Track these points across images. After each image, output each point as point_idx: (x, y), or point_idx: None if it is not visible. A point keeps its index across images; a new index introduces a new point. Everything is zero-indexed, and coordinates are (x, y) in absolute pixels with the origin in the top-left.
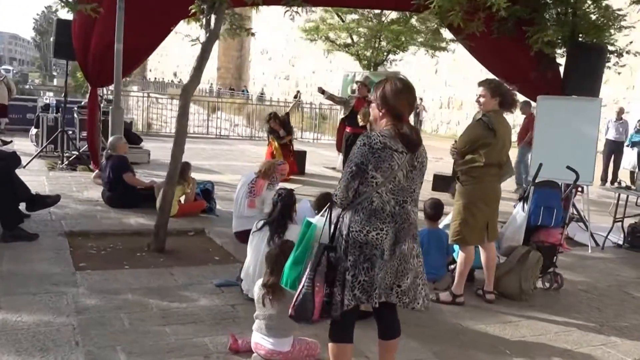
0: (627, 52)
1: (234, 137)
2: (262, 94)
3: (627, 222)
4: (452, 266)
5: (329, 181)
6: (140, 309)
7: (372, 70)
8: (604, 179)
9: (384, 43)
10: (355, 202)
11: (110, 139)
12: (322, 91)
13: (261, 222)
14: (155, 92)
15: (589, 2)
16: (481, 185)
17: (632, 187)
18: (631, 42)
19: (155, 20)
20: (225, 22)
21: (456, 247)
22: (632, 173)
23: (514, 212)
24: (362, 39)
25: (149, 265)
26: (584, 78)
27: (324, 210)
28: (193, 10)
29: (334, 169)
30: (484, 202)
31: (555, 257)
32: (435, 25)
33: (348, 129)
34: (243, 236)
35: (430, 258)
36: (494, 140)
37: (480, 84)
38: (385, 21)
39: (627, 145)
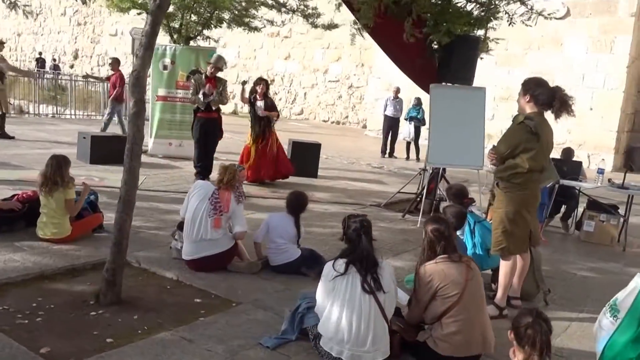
0: (495, 41)
1: None
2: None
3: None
4: None
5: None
6: None
7: (182, 44)
8: (383, 151)
9: (195, 17)
10: None
11: None
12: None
13: (342, 263)
14: None
15: None
16: (524, 192)
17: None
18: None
19: None
20: None
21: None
22: (408, 144)
23: None
24: (173, 11)
25: (135, 333)
26: (460, 67)
27: None
28: None
29: (145, 152)
30: (526, 209)
31: None
32: None
33: (201, 114)
34: (202, 264)
35: None
36: (537, 145)
37: None
38: None
39: (405, 119)
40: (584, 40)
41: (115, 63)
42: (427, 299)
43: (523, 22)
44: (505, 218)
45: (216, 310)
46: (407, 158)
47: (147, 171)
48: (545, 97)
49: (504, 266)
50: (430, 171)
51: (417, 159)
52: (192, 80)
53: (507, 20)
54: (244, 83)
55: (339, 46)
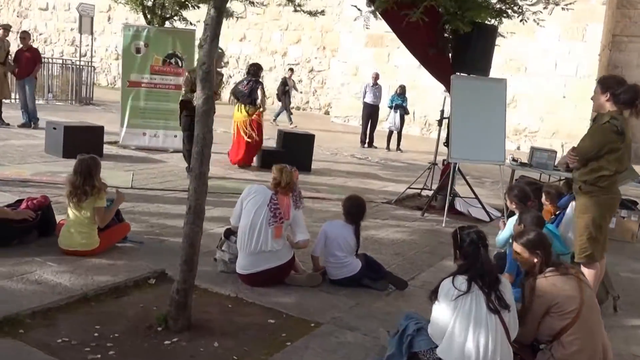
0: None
1: None
2: None
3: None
4: None
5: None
6: None
7: (157, 25)
8: (363, 141)
9: None
10: None
11: None
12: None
13: (463, 281)
14: None
15: None
16: (610, 195)
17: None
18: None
19: None
20: None
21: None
22: (390, 133)
23: (568, 209)
24: None
25: None
26: (479, 58)
27: None
28: None
29: (116, 143)
30: (610, 213)
31: None
32: None
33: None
34: (261, 278)
35: None
36: (622, 145)
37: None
38: None
39: (389, 107)
40: (556, 27)
41: (28, 37)
42: (540, 316)
43: (535, 21)
44: (592, 224)
45: (298, 332)
46: (388, 148)
47: (131, 166)
48: (628, 96)
49: (588, 275)
50: (442, 165)
51: (398, 149)
52: (187, 74)
53: (518, 14)
54: None
55: (298, 28)
